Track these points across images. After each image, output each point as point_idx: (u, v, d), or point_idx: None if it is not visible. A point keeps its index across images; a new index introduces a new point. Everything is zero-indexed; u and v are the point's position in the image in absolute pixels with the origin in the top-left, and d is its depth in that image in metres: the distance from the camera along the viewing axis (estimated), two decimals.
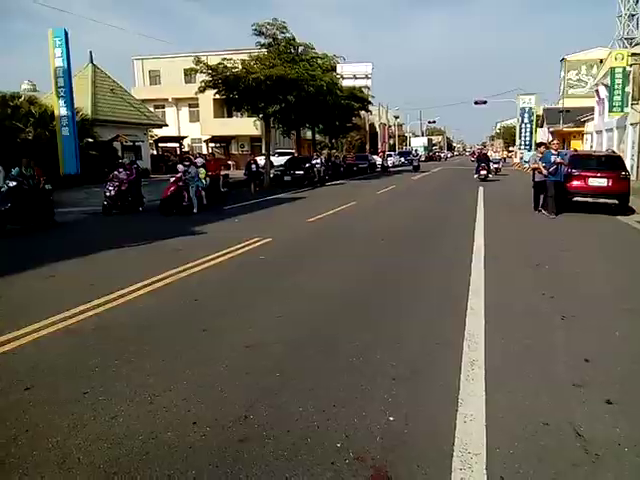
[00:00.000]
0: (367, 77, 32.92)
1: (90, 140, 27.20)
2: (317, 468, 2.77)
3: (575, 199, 13.60)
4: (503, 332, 4.78)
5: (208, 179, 17.51)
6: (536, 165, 13.47)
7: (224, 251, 8.51)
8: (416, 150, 51.25)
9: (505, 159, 52.65)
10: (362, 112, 41.30)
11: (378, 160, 43.34)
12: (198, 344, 4.53)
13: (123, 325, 5.05)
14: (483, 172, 26.22)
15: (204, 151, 43.23)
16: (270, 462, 2.82)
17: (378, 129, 66.52)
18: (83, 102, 28.77)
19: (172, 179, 14.71)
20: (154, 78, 49.32)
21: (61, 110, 24.65)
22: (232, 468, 2.77)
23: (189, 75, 25.47)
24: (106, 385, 3.72)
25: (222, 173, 20.33)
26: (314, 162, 27.06)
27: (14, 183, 11.66)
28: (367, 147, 56.05)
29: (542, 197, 13.38)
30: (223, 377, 3.86)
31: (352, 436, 3.07)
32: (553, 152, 13.08)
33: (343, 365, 4.08)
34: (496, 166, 32.51)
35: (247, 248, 8.88)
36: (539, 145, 14.94)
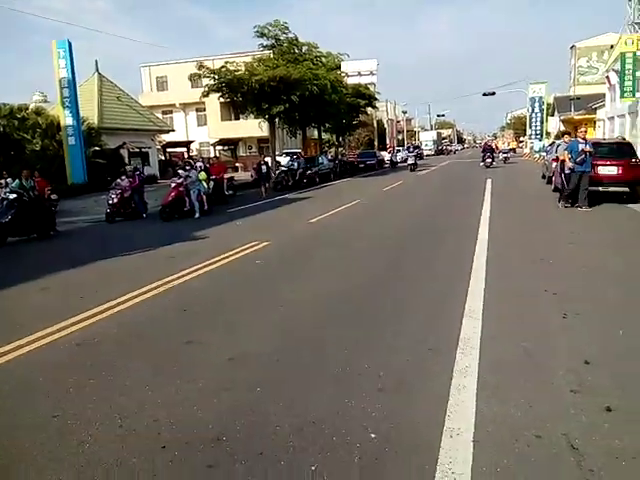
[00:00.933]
0: (372, 73, 32.63)
1: (97, 149, 27.30)
2: None
3: None
4: (500, 334, 4.54)
5: (212, 183, 17.48)
6: (564, 156, 12.54)
7: (220, 257, 8.35)
8: (413, 145, 41.70)
9: (515, 150, 52.54)
10: (369, 109, 40.91)
11: (387, 156, 42.99)
12: (180, 358, 4.36)
13: (107, 339, 4.91)
14: (488, 160, 31.03)
15: (212, 154, 43.31)
16: None
17: (386, 125, 66.08)
18: (89, 111, 28.93)
19: (173, 184, 14.61)
20: (161, 84, 49.45)
21: (67, 120, 24.83)
22: None
23: (195, 80, 25.44)
24: (78, 407, 3.57)
25: (226, 176, 20.29)
26: (287, 165, 24.12)
27: (14, 195, 11.66)
28: (375, 143, 55.65)
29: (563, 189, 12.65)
30: (201, 394, 3.69)
31: (329, 458, 2.87)
32: (580, 140, 12.30)
33: (329, 376, 3.88)
34: (505, 155, 37.00)
35: (244, 253, 8.72)
36: (564, 134, 14.00)
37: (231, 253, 8.63)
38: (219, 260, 8.15)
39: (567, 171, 12.36)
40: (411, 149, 36.05)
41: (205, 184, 15.15)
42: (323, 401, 3.51)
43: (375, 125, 57.27)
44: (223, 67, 23.40)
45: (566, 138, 13.09)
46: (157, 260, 8.67)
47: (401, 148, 56.00)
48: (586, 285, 6.06)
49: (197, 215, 14.36)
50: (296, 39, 25.95)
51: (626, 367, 3.84)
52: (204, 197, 14.92)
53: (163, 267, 7.81)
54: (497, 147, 45.78)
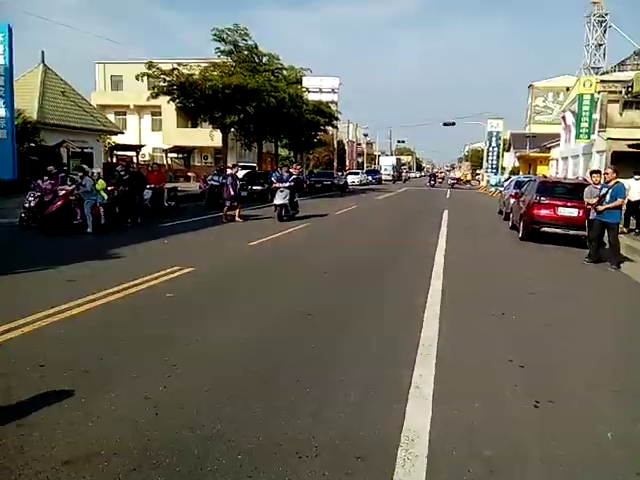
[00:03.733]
0: (334, 91, 31.94)
1: (32, 145, 25.15)
2: None
3: (543, 230, 12.54)
4: (455, 433, 3.38)
5: (150, 192, 15.96)
6: (593, 200, 10.01)
7: (129, 284, 6.90)
8: (288, 169, 18.58)
9: (470, 182, 57.35)
10: (329, 128, 40.14)
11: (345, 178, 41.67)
12: None
13: None
14: (432, 182, 51.32)
15: (164, 161, 41.36)
16: None
17: (346, 146, 65.72)
18: (28, 104, 26.75)
19: (61, 192, 12.54)
20: (116, 84, 47.32)
21: None
22: None
23: (142, 80, 23.59)
24: None
25: (168, 186, 18.79)
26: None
27: None
28: (335, 164, 55.01)
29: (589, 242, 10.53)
30: None
31: None
32: (610, 185, 9.94)
33: None
34: (452, 182, 52.52)
35: (159, 280, 7.30)
36: (592, 173, 10.98)
37: (143, 280, 7.18)
38: (125, 289, 6.71)
39: (592, 217, 10.25)
40: (284, 176, 16.90)
41: (104, 194, 12.97)
42: None
43: (335, 145, 56.67)
44: (175, 69, 21.96)
45: (595, 179, 10.50)
46: (45, 285, 7.07)
47: (360, 171, 55.27)
48: (555, 351, 5.06)
49: (89, 229, 12.23)
50: (256, 47, 24.80)
51: None
52: (101, 210, 12.81)
53: (46, 296, 6.29)
54: (444, 175, 70.43)
